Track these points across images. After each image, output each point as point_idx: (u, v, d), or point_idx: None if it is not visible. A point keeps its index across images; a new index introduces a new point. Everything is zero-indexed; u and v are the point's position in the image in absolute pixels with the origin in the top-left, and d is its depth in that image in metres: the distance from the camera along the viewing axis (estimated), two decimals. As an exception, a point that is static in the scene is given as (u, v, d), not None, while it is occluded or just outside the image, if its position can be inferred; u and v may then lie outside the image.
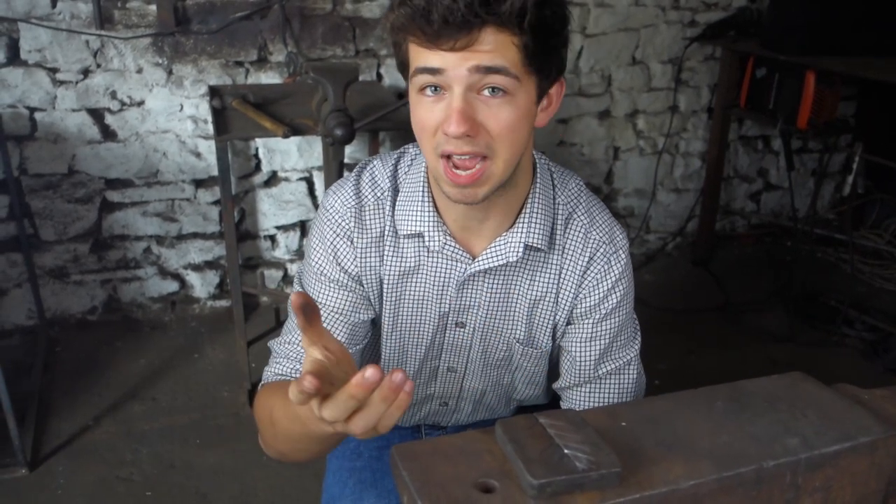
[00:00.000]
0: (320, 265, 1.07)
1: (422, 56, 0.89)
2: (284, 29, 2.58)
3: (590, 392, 1.14)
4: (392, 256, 1.07)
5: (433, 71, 0.88)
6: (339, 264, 1.06)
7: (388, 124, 2.29)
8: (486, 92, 0.88)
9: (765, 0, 3.14)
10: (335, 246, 1.06)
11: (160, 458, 2.12)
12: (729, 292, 3.09)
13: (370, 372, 0.65)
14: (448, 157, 0.92)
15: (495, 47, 0.86)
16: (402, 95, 2.67)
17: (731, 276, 3.25)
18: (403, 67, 0.95)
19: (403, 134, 2.73)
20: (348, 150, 2.60)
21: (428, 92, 0.90)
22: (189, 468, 2.09)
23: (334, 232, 1.06)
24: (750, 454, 0.60)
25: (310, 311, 0.68)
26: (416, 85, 0.91)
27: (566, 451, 0.57)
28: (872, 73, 2.61)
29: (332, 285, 1.07)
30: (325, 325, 1.02)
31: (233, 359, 2.55)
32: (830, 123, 2.85)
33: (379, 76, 2.80)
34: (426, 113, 0.91)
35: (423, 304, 1.10)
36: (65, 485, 2.01)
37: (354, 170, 1.11)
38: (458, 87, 0.88)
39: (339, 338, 1.05)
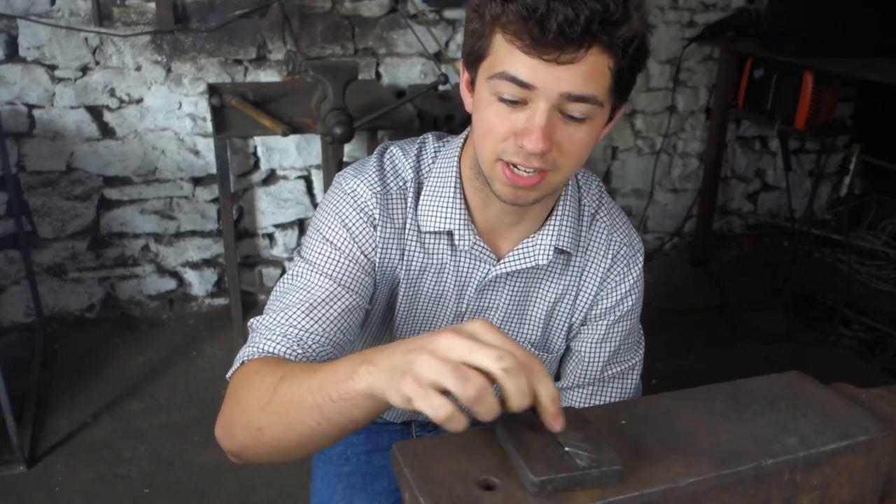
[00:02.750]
0: (331, 237, 0.98)
1: (514, 61, 0.82)
2: (284, 27, 2.58)
3: (591, 394, 1.13)
4: (414, 252, 1.02)
5: (522, 84, 0.82)
6: (356, 241, 0.98)
7: (387, 123, 2.29)
8: (569, 112, 0.85)
9: (763, 1, 3.14)
10: (355, 226, 0.99)
11: (158, 455, 2.12)
12: (726, 292, 3.09)
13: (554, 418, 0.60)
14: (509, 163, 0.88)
15: (593, 70, 0.82)
16: (401, 94, 2.67)
17: (729, 276, 3.25)
18: (476, 60, 0.88)
19: (402, 133, 2.73)
20: (347, 148, 2.60)
21: (506, 97, 0.85)
22: (188, 466, 2.09)
23: (356, 214, 0.99)
24: (749, 453, 0.60)
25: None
26: (493, 87, 0.85)
27: (567, 448, 0.57)
28: (870, 74, 2.62)
29: (346, 258, 0.98)
30: (329, 299, 0.94)
31: (231, 356, 2.52)
32: (828, 124, 2.85)
33: (378, 75, 2.80)
34: (498, 119, 0.86)
35: (440, 302, 1.07)
36: (63, 482, 2.01)
37: (374, 154, 1.04)
38: (543, 105, 0.83)
39: (331, 316, 0.94)
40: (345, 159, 2.50)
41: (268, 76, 2.66)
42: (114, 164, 2.59)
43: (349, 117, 2.05)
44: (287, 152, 2.77)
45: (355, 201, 0.99)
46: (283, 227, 2.88)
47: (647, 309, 3.20)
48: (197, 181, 2.71)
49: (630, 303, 1.09)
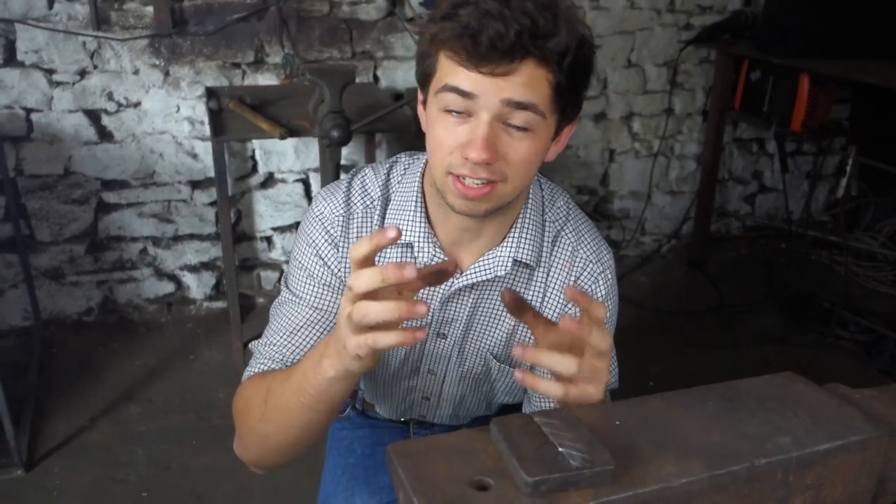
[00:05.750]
0: (307, 264, 1.07)
1: (455, 74, 0.88)
2: (281, 31, 2.58)
3: None
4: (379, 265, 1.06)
5: (464, 94, 0.87)
6: (327, 265, 1.05)
7: (385, 126, 2.29)
8: (511, 122, 0.89)
9: (759, 3, 3.15)
10: (321, 248, 1.06)
11: (156, 459, 2.12)
12: (724, 294, 3.10)
13: (409, 269, 0.72)
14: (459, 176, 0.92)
15: (530, 81, 0.86)
16: (398, 97, 2.67)
17: (726, 278, 3.26)
18: (426, 79, 0.94)
19: (399, 136, 2.74)
20: (345, 151, 2.60)
21: (452, 109, 0.89)
22: (185, 469, 2.09)
23: (321, 237, 1.06)
24: (742, 453, 0.60)
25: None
26: (440, 101, 0.90)
27: (560, 449, 0.57)
28: (866, 77, 2.62)
29: (320, 285, 1.06)
30: (308, 324, 1.05)
31: (229, 360, 2.55)
32: (824, 126, 2.86)
33: (375, 78, 2.80)
34: (446, 132, 0.91)
35: None
36: (61, 486, 2.01)
37: (346, 176, 1.10)
38: (485, 115, 0.88)
39: (312, 338, 1.04)
40: (342, 162, 2.51)
41: (265, 79, 2.66)
42: (112, 167, 2.60)
43: (346, 120, 2.06)
44: (285, 155, 2.77)
45: (322, 224, 1.06)
46: (281, 230, 2.88)
47: (644, 310, 3.21)
48: (195, 184, 2.71)
49: None
